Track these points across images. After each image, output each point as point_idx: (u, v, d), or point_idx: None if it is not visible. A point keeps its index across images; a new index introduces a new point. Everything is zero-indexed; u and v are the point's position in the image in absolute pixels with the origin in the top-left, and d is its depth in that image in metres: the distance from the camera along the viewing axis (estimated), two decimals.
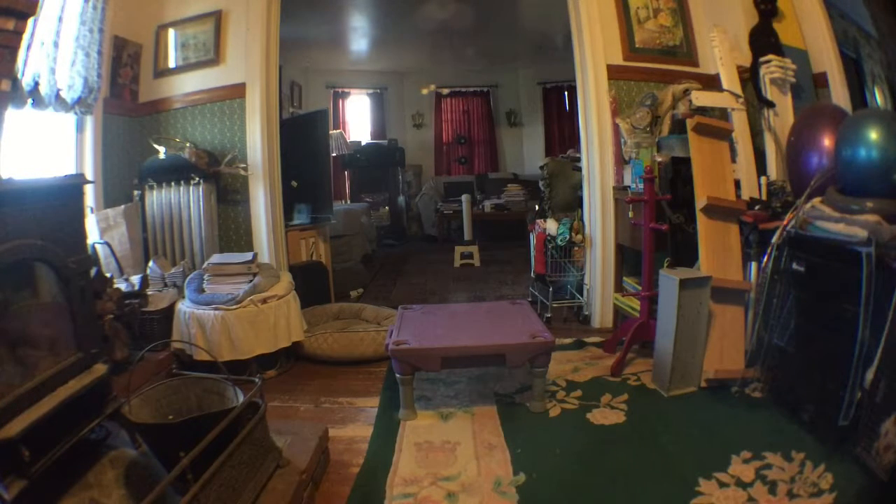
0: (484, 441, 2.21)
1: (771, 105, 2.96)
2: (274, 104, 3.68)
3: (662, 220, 2.87)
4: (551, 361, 2.48)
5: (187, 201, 3.44)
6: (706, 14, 3.54)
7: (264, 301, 2.89)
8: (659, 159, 3.03)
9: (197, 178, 3.42)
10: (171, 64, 3.72)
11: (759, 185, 2.89)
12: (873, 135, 2.02)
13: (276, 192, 3.69)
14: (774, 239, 2.34)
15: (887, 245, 1.78)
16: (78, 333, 1.59)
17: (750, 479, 1.83)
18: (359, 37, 7.07)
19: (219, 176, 3.59)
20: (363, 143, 8.37)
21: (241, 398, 1.66)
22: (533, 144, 9.09)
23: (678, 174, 2.92)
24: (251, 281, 2.95)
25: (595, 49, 3.54)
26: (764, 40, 3.05)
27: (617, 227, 3.55)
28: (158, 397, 1.71)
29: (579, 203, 3.95)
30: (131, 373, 1.74)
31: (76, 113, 3.07)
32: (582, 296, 3.77)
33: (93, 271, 1.77)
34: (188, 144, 3.56)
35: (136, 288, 2.83)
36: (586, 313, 3.74)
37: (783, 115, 2.97)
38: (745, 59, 3.08)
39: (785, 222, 2.31)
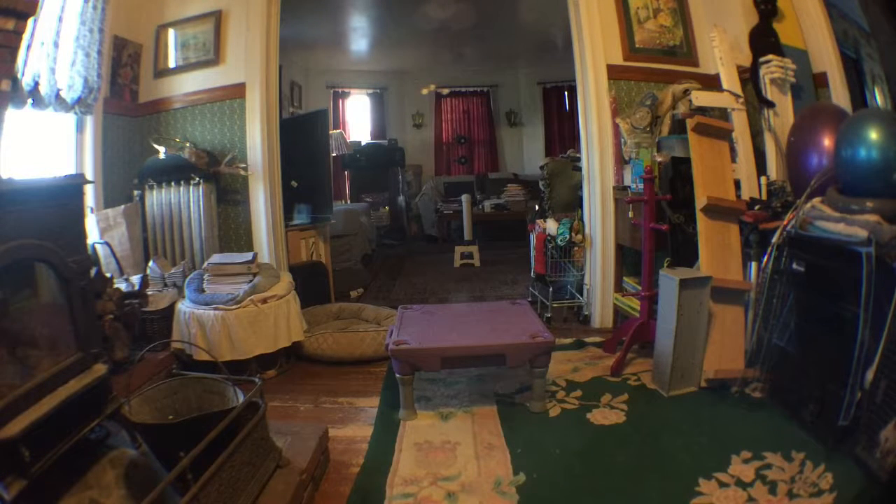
0: (484, 441, 2.21)
1: (771, 105, 2.96)
2: (274, 104, 3.68)
3: (662, 220, 2.87)
4: (551, 361, 2.48)
5: (187, 201, 3.44)
6: (706, 14, 3.54)
7: (264, 301, 2.89)
8: (659, 159, 3.03)
9: (197, 178, 3.42)
10: (171, 64, 3.72)
11: (759, 185, 2.89)
12: (873, 135, 2.01)
13: (276, 192, 3.69)
14: (774, 239, 2.34)
15: (887, 245, 1.78)
16: (78, 333, 1.59)
17: (750, 479, 1.83)
18: (359, 37, 7.07)
19: (219, 176, 3.59)
20: (363, 143, 8.37)
21: (241, 398, 1.66)
22: (533, 144, 9.09)
23: (678, 174, 2.92)
24: (251, 281, 2.95)
25: (595, 49, 3.54)
26: (764, 40, 3.04)
27: (617, 227, 3.55)
28: (158, 397, 1.71)
29: (579, 203, 3.95)
30: (131, 373, 1.74)
31: (76, 113, 3.07)
32: (582, 296, 3.77)
33: (93, 271, 1.77)
34: (188, 144, 3.56)
35: (136, 288, 2.83)
36: (586, 313, 3.74)
37: (783, 115, 2.97)
38: (745, 59, 3.08)
39: (785, 222, 2.31)
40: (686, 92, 3.13)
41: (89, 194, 3.16)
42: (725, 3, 3.32)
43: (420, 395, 2.62)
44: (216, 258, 3.10)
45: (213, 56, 3.63)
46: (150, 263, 3.18)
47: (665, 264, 2.85)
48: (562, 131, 8.84)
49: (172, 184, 3.44)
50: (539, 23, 6.20)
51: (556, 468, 2.00)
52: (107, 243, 3.06)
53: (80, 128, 3.22)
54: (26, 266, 1.47)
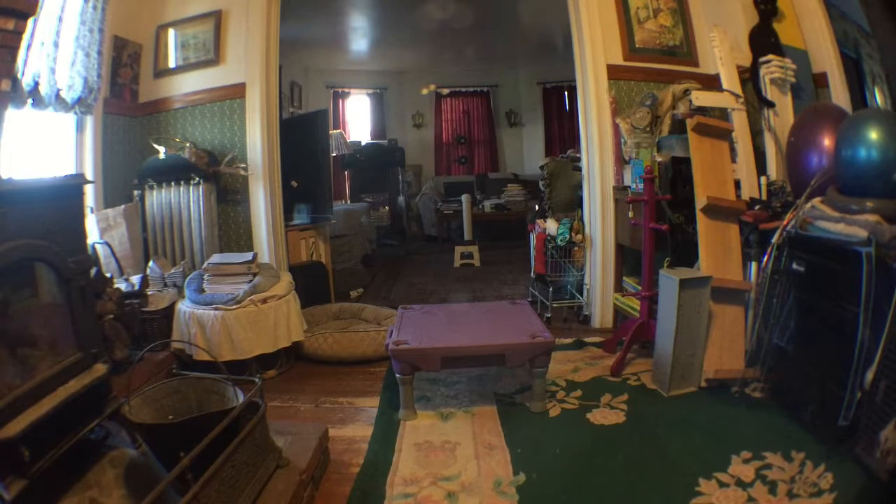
0: (484, 441, 2.21)
1: (771, 105, 2.96)
2: (274, 104, 3.68)
3: (662, 220, 2.87)
4: (551, 361, 2.48)
5: (187, 201, 3.44)
6: (706, 14, 3.54)
7: (264, 301, 2.89)
8: (659, 159, 3.03)
9: (197, 178, 3.42)
10: (171, 64, 3.72)
11: (759, 185, 2.89)
12: (873, 135, 2.02)
13: (276, 192, 3.69)
14: (774, 239, 2.34)
15: (887, 245, 1.78)
16: (78, 333, 1.59)
17: (750, 479, 1.83)
18: (359, 37, 7.07)
19: (219, 176, 3.59)
20: (363, 143, 8.37)
21: (241, 398, 1.66)
22: (533, 144, 9.09)
23: (678, 174, 2.92)
24: (251, 281, 2.95)
25: (595, 49, 3.54)
26: (764, 40, 3.05)
27: (617, 227, 3.55)
28: (158, 397, 1.71)
29: (579, 203, 3.95)
30: (131, 373, 1.74)
31: (76, 113, 3.07)
32: (582, 296, 3.77)
33: (93, 271, 1.76)
34: (188, 144, 3.56)
35: (136, 288, 2.83)
36: (586, 313, 3.74)
37: (783, 115, 2.97)
38: (745, 59, 3.08)
39: (785, 222, 2.31)
40: (686, 92, 3.13)
41: (89, 194, 3.16)
42: (725, 3, 3.32)
43: (420, 395, 2.62)
44: (216, 258, 3.10)
45: (213, 56, 3.63)
46: (150, 263, 3.18)
47: (665, 264, 2.85)
48: (562, 131, 8.85)
49: (172, 184, 3.44)
50: (539, 23, 6.21)
51: (556, 468, 2.00)
52: (107, 243, 3.06)
53: (80, 128, 3.22)
54: (26, 266, 1.47)
